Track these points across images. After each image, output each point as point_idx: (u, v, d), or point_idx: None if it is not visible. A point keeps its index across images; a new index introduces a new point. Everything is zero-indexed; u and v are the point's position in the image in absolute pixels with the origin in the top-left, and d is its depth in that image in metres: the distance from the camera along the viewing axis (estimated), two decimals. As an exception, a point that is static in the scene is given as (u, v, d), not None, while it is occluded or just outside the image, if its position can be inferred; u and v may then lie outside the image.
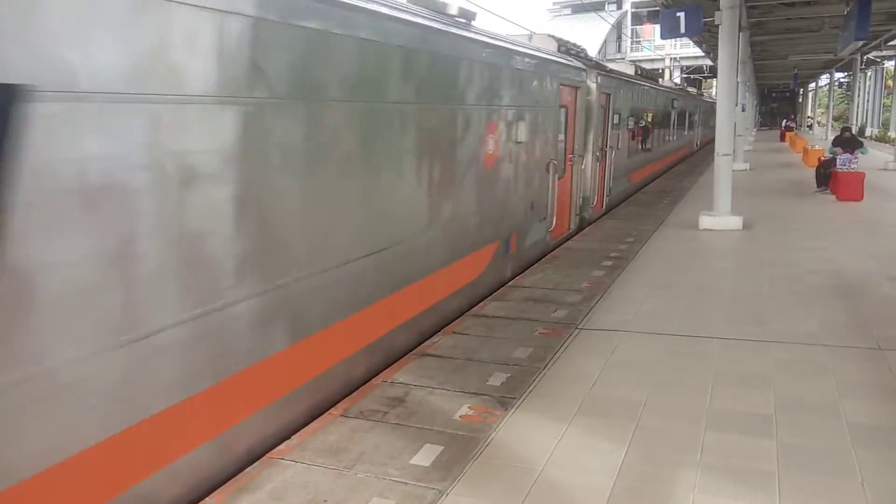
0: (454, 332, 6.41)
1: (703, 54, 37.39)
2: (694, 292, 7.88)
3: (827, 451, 4.19)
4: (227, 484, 3.85)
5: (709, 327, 6.57)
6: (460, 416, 4.65)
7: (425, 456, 4.11)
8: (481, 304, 7.39)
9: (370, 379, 5.33)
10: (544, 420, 4.63)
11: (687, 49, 47.69)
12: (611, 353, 5.90)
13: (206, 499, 3.71)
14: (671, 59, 52.95)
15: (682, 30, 13.17)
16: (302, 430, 4.47)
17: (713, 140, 12.97)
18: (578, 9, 50.08)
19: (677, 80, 48.04)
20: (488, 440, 4.33)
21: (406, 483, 3.82)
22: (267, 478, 3.89)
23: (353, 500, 3.67)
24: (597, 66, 12.87)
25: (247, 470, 3.99)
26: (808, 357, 5.79)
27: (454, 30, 6.81)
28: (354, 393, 5.06)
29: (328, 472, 3.95)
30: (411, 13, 6.01)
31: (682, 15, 12.89)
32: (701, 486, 3.81)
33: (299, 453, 4.16)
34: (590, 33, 46.69)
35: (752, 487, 3.78)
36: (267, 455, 4.16)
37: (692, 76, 54.82)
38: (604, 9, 49.55)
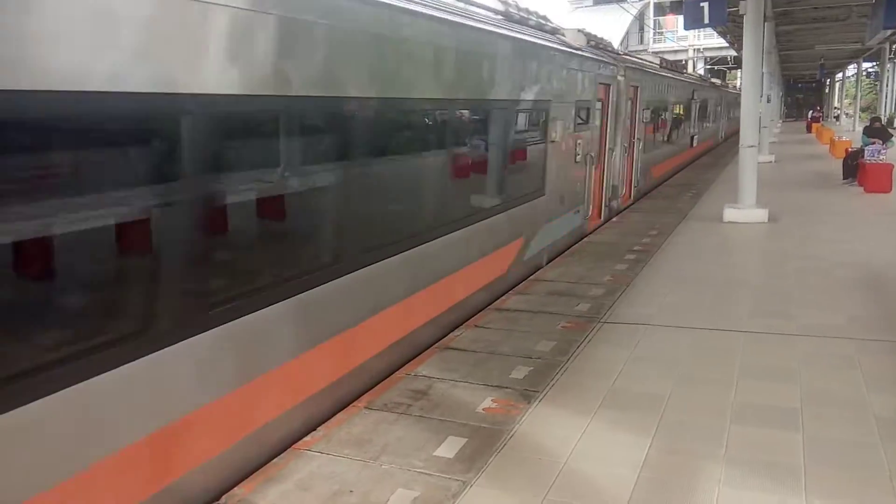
0: (476, 326, 6.44)
1: (727, 45, 36.93)
2: (718, 285, 7.82)
3: (854, 444, 4.15)
4: (254, 474, 3.91)
5: (733, 321, 6.52)
6: (483, 409, 4.68)
7: (449, 448, 4.14)
8: (503, 297, 7.40)
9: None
10: (567, 413, 4.64)
11: (711, 40, 47.09)
12: (634, 346, 5.88)
13: (234, 489, 3.78)
14: (694, 49, 52.35)
15: (706, 20, 13.01)
16: (327, 422, 4.52)
17: (738, 131, 12.90)
18: (600, 0, 49.65)
19: (701, 72, 47.48)
20: (511, 433, 4.35)
21: (430, 474, 3.86)
22: (294, 468, 3.95)
23: (377, 490, 3.71)
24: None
25: (274, 461, 4.05)
26: (834, 350, 5.73)
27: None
28: (378, 385, 5.11)
29: (353, 463, 4.00)
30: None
31: (705, 5, 12.72)
32: (726, 479, 3.79)
33: (325, 445, 4.21)
34: (612, 25, 46.29)
35: (778, 481, 3.76)
36: (293, 446, 4.22)
37: (716, 67, 54.14)
38: (626, 0, 49.09)
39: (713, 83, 32.87)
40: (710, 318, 6.60)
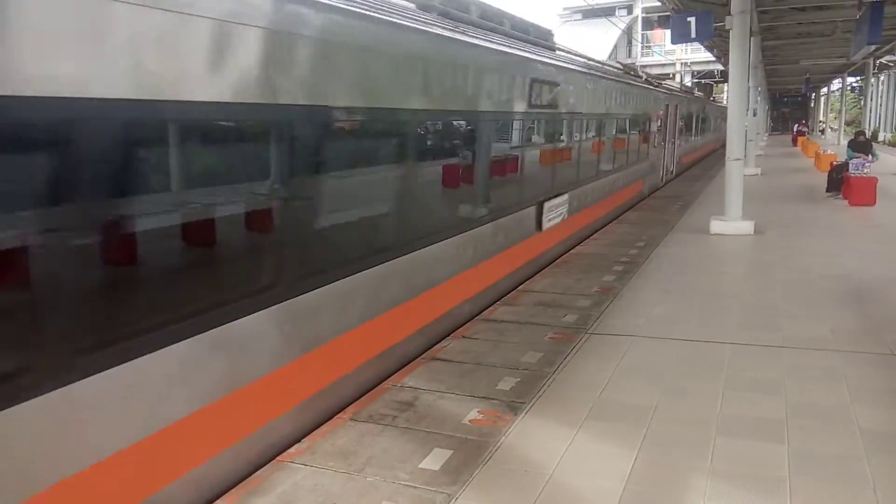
0: (463, 337, 6.42)
1: (714, 59, 37.27)
2: (705, 297, 7.85)
3: (839, 457, 4.16)
4: (236, 487, 3.86)
5: (720, 332, 6.54)
6: (469, 421, 4.65)
7: (434, 460, 4.12)
8: (491, 308, 7.39)
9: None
10: (554, 425, 4.62)
11: (698, 54, 47.58)
12: (621, 357, 5.88)
13: (216, 501, 3.73)
14: (682, 63, 52.83)
15: (693, 35, 13.12)
16: (312, 434, 4.48)
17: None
18: (589, 14, 50.05)
19: (699, 93, 48.25)
20: (498, 445, 4.32)
21: (416, 487, 3.83)
22: (276, 481, 3.90)
23: (362, 503, 3.67)
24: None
25: (256, 473, 4.01)
26: (820, 362, 5.75)
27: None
28: (363, 397, 5.07)
29: (338, 475, 3.96)
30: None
31: (692, 20, 12.85)
32: (711, 492, 3.79)
33: (309, 457, 4.17)
34: (600, 38, 46.67)
35: (763, 494, 3.76)
36: (276, 458, 4.17)
37: (703, 81, 54.62)
38: (614, 14, 49.51)
39: (713, 100, 42.65)
40: (696, 330, 6.62)
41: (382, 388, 5.24)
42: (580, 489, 3.83)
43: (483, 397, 5.04)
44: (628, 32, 53.03)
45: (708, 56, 39.98)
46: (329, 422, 4.66)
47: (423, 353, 6.00)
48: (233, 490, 3.84)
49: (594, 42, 43.80)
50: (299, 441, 4.40)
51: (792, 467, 4.03)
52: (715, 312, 7.23)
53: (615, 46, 50.28)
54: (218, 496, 3.80)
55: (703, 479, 3.92)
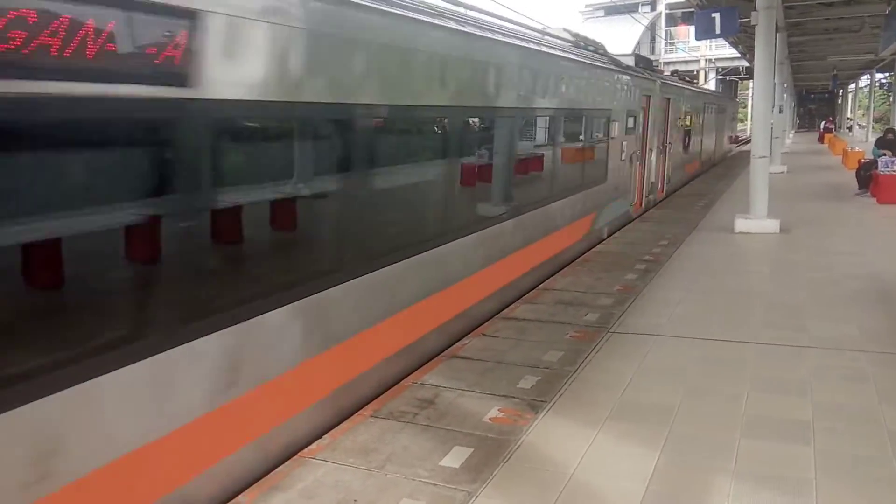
0: (484, 335, 6.40)
1: (738, 55, 36.81)
2: (729, 296, 7.75)
3: (866, 459, 4.09)
4: (258, 483, 3.89)
5: (744, 332, 6.45)
6: (490, 419, 4.64)
7: (455, 458, 4.11)
8: (511, 306, 7.37)
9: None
10: (575, 424, 4.59)
11: (722, 50, 46.92)
12: (643, 357, 5.83)
13: (238, 497, 3.76)
14: (706, 60, 52.19)
15: (718, 31, 12.98)
16: (332, 430, 4.50)
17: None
18: (611, 10, 49.66)
19: (712, 84, 47.34)
20: (518, 443, 4.31)
21: (436, 484, 3.82)
22: (298, 477, 3.92)
23: (383, 500, 3.68)
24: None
25: (278, 469, 4.03)
26: (846, 363, 5.66)
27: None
28: (384, 394, 5.09)
29: (358, 472, 3.97)
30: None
31: (717, 15, 12.70)
32: (735, 493, 3.74)
33: (330, 453, 4.19)
34: (623, 35, 46.29)
35: (789, 496, 3.71)
36: (298, 454, 4.19)
37: (728, 77, 53.98)
38: (637, 10, 49.07)
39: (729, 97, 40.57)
40: (720, 330, 6.54)
41: (403, 385, 5.24)
42: (601, 489, 3.80)
43: (503, 395, 5.03)
44: (651, 29, 52.53)
45: (733, 52, 39.42)
46: (350, 418, 4.68)
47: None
48: (255, 485, 3.87)
49: (617, 39, 43.45)
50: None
51: (818, 469, 3.97)
52: (739, 312, 7.14)
53: (638, 43, 49.87)
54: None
55: (726, 480, 3.87)
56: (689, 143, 20.66)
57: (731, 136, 36.14)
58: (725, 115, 32.38)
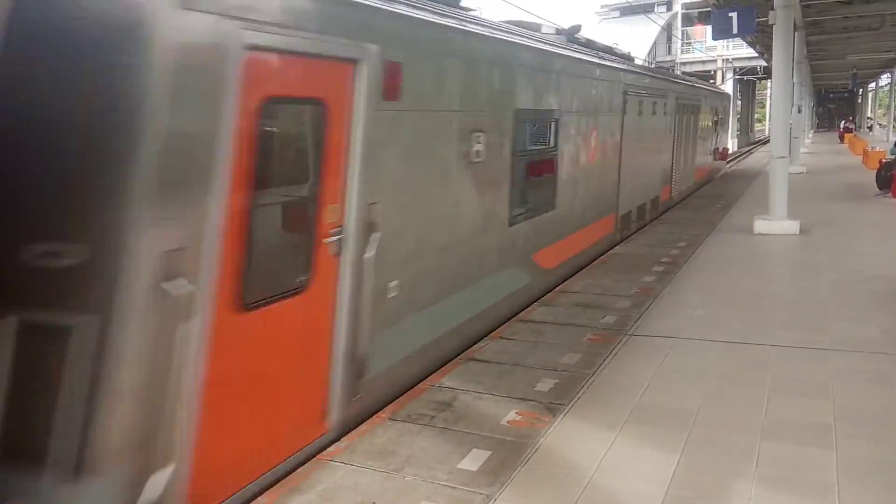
0: (501, 338, 6.39)
1: (756, 55, 36.50)
2: (749, 298, 7.69)
3: (890, 463, 4.03)
4: (278, 484, 3.91)
5: (765, 334, 6.40)
6: (508, 422, 4.63)
7: (473, 461, 4.11)
8: (529, 308, 7.36)
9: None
10: (593, 427, 4.57)
11: (739, 50, 46.57)
12: (662, 360, 5.80)
13: (259, 498, 3.78)
14: (723, 60, 51.82)
15: (735, 30, 12.88)
16: (351, 433, 4.51)
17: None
18: (627, 11, 49.44)
19: (730, 83, 46.92)
20: (536, 446, 4.30)
21: (454, 487, 3.83)
22: (317, 479, 3.94)
23: (401, 502, 3.69)
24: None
25: (298, 471, 4.05)
26: (868, 365, 5.59)
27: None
28: (402, 396, 5.09)
29: (377, 474, 3.98)
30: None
31: (734, 15, 12.61)
32: (756, 497, 3.71)
33: (348, 455, 4.20)
34: (639, 35, 46.06)
35: (811, 500, 3.67)
36: (317, 456, 4.21)
37: (745, 77, 53.54)
38: (653, 10, 48.81)
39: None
40: (740, 332, 6.48)
41: (420, 388, 5.25)
42: (620, 493, 3.78)
43: (521, 398, 5.02)
44: (667, 29, 52.24)
45: (750, 52, 39.11)
46: (368, 421, 4.69)
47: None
48: (274, 487, 3.89)
49: (632, 40, 43.23)
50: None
51: (841, 473, 3.93)
52: (759, 314, 7.08)
53: (654, 44, 49.61)
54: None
55: (747, 484, 3.83)
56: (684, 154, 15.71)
57: (717, 150, 22.89)
58: (706, 117, 19.70)
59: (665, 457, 4.14)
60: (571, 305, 7.44)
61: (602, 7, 55.47)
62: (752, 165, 27.75)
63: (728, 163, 28.52)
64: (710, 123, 20.44)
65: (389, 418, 4.71)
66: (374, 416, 4.75)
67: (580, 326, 6.69)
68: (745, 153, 41.01)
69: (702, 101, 18.60)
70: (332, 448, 4.31)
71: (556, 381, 5.32)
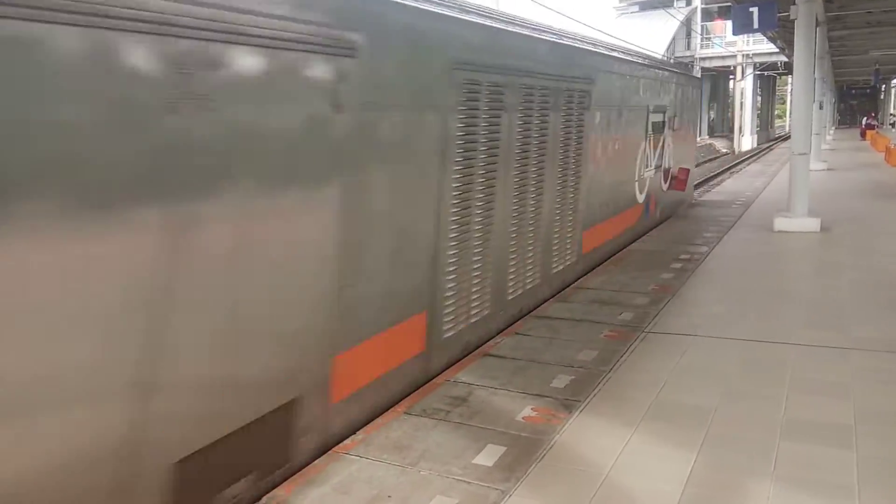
0: (517, 333, 6.38)
1: (777, 50, 36.07)
2: (768, 296, 7.61)
3: (912, 465, 3.98)
4: (294, 477, 3.94)
5: (784, 333, 6.33)
6: (523, 418, 4.62)
7: (488, 456, 4.11)
8: (544, 305, 7.33)
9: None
10: (610, 424, 4.55)
11: (760, 45, 46.05)
12: (679, 357, 5.76)
13: (274, 490, 3.81)
14: (743, 55, 51.29)
15: (755, 25, 12.70)
16: (367, 426, 4.53)
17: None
18: (646, 6, 49.04)
19: (750, 78, 46.39)
20: (552, 442, 4.28)
21: (469, 482, 3.83)
22: (332, 472, 3.96)
23: (416, 496, 3.70)
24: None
25: (313, 463, 4.07)
26: (890, 365, 5.51)
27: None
28: (417, 391, 5.10)
29: (392, 468, 3.99)
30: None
31: (755, 10, 12.44)
32: (774, 497, 3.67)
33: (364, 449, 4.21)
34: (658, 30, 45.70)
35: (829, 501, 3.62)
36: (332, 450, 4.23)
37: (766, 73, 52.97)
38: (672, 5, 48.41)
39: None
40: (759, 330, 6.42)
41: (435, 382, 5.25)
42: (637, 490, 3.76)
43: (537, 394, 5.01)
44: (687, 24, 51.75)
45: (771, 47, 38.66)
46: (383, 415, 4.70)
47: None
48: (290, 479, 3.91)
49: (651, 35, 42.89)
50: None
51: (860, 474, 3.88)
52: (778, 312, 7.01)
53: (673, 39, 49.18)
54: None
55: (765, 484, 3.80)
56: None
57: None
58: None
59: (682, 455, 4.12)
60: (588, 302, 7.41)
61: (621, 2, 55.05)
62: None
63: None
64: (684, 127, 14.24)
65: (405, 412, 4.72)
66: (390, 410, 4.76)
67: (597, 323, 6.66)
68: (752, 155, 40.26)
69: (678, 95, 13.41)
70: (347, 441, 4.33)
71: (573, 377, 5.30)
